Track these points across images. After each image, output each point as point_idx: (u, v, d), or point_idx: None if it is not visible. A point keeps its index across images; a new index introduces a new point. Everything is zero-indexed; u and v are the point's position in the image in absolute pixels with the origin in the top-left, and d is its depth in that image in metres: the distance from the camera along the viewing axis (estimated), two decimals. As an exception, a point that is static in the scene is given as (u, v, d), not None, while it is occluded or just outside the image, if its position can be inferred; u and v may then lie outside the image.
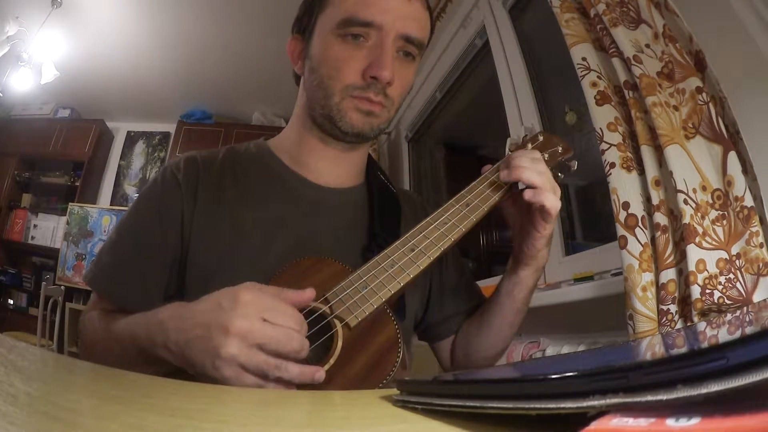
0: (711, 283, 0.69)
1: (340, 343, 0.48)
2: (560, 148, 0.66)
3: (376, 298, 0.50)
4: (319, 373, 0.44)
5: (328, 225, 0.65)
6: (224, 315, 0.41)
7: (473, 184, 0.61)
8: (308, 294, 0.47)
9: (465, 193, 0.60)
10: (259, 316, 0.41)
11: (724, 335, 0.29)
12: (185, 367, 0.43)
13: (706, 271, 0.69)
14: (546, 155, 0.64)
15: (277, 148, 0.71)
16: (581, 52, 0.97)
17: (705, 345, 0.22)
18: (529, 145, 0.68)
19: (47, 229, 3.60)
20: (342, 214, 0.68)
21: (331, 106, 0.62)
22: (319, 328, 0.49)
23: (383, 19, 0.59)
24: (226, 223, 0.62)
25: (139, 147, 3.95)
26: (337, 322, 0.49)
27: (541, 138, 0.68)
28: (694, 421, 0.16)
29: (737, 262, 0.69)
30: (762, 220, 0.69)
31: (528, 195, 0.56)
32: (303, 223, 0.64)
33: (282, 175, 0.68)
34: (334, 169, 0.69)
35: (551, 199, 0.55)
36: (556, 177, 0.60)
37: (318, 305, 0.50)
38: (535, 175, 0.56)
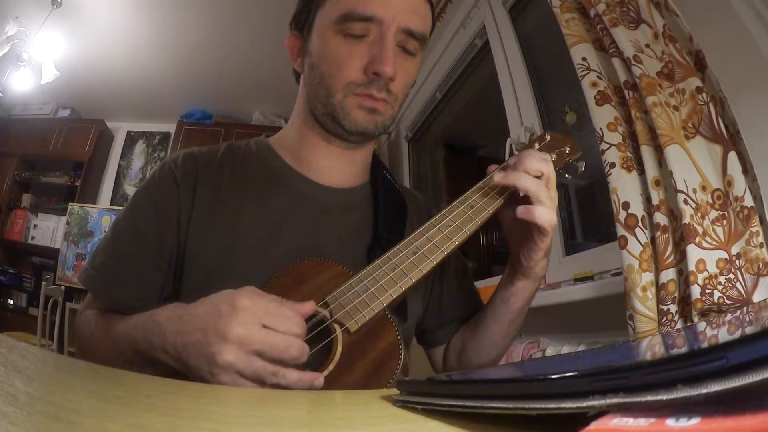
0: (711, 283, 0.69)
1: (339, 349, 0.47)
2: (568, 148, 0.63)
3: (377, 303, 0.49)
4: (318, 379, 0.43)
5: (332, 226, 0.64)
6: (222, 321, 0.41)
7: (478, 185, 0.59)
8: (308, 307, 0.46)
9: (469, 195, 0.58)
10: (259, 323, 0.41)
11: (724, 335, 0.29)
12: (183, 370, 0.43)
13: (706, 271, 0.69)
14: (553, 156, 0.61)
15: (278, 146, 0.69)
16: (581, 52, 0.97)
17: (705, 345, 0.22)
18: (536, 145, 0.65)
19: (47, 229, 3.60)
20: (346, 214, 0.66)
21: (334, 105, 0.60)
22: (318, 332, 0.48)
23: (384, 13, 0.57)
24: (226, 222, 0.60)
25: (139, 147, 3.94)
26: (336, 326, 0.48)
27: (548, 137, 0.66)
28: (694, 421, 0.16)
29: (737, 262, 0.69)
30: (762, 220, 0.69)
31: (520, 211, 0.53)
32: (305, 223, 0.62)
33: (283, 173, 0.66)
34: (337, 167, 0.67)
35: (542, 215, 0.52)
36: (562, 179, 0.58)
37: (317, 309, 0.49)
38: (530, 182, 0.53)
